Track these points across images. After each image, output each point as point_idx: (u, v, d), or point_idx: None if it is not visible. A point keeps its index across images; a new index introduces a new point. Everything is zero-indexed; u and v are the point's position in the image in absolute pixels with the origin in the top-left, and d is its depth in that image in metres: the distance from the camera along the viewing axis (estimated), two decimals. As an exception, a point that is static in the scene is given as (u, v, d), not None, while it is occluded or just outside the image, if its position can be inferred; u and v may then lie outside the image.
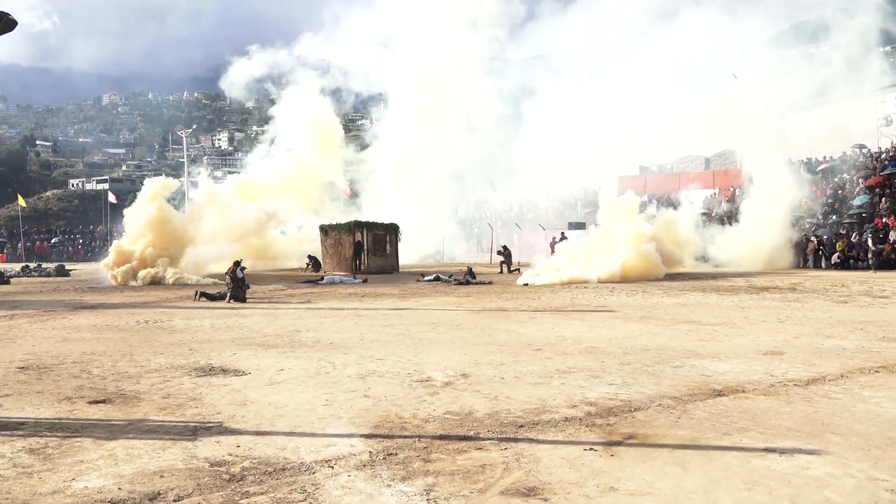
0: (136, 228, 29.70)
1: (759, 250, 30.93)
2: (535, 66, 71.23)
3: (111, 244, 31.49)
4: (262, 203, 38.39)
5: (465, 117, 50.83)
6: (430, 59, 50.75)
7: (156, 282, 26.26)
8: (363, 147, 56.78)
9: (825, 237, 31.75)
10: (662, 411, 6.55)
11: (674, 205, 38.05)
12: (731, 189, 42.03)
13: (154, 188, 30.93)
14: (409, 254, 40.61)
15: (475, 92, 51.21)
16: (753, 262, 30.84)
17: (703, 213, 37.08)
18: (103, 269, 28.72)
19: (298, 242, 39.25)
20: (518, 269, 29.85)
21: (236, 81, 58.14)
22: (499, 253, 32.80)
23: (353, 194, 53.02)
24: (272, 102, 55.27)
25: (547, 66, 67.26)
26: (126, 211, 31.50)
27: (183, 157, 72.31)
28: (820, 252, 31.27)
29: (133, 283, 26.55)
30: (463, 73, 51.11)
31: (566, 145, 51.37)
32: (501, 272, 30.25)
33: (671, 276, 25.59)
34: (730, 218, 35.35)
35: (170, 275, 26.73)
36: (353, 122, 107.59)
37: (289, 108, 48.97)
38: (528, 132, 54.95)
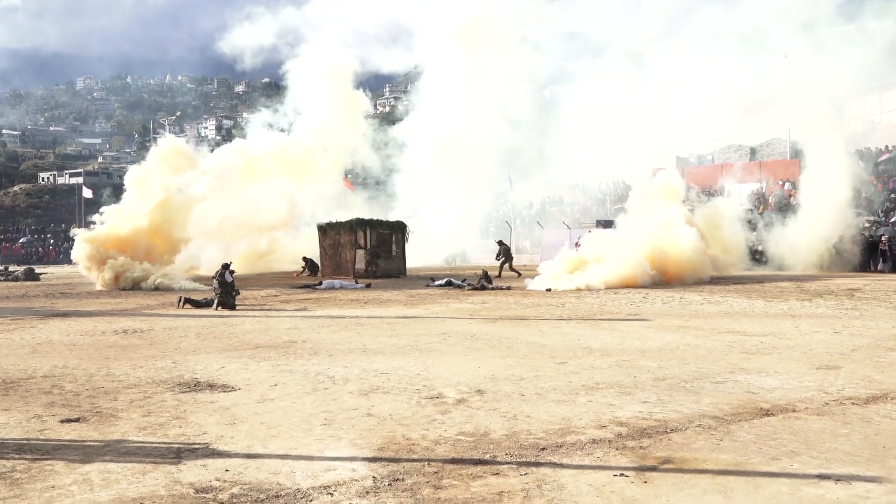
0: (138, 208, 27.28)
1: (812, 250, 30.70)
2: (565, 45, 71.04)
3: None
4: (281, 185, 35.77)
5: (500, 97, 49.46)
6: (468, 17, 49.03)
7: (137, 285, 25.85)
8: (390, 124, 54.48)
9: (886, 237, 31.52)
10: (702, 433, 6.53)
11: (717, 195, 37.89)
12: (781, 182, 41.85)
13: (175, 151, 28.66)
14: (433, 255, 40.24)
15: (510, 67, 49.90)
16: (807, 263, 30.65)
17: (750, 210, 36.94)
18: (78, 247, 26.83)
19: (312, 241, 35.78)
20: (519, 273, 29.16)
21: (237, 45, 56.52)
22: (498, 256, 31.08)
23: (384, 186, 51.66)
24: (279, 66, 52.80)
25: (577, 44, 67.17)
26: (129, 176, 29.46)
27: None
28: (885, 253, 30.96)
29: (109, 285, 25.78)
30: (500, 43, 49.63)
31: (595, 133, 51.27)
32: (500, 275, 29.12)
33: (712, 280, 25.45)
34: (780, 214, 35.20)
35: (169, 278, 25.69)
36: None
37: (304, 65, 45.29)
38: (552, 118, 54.86)
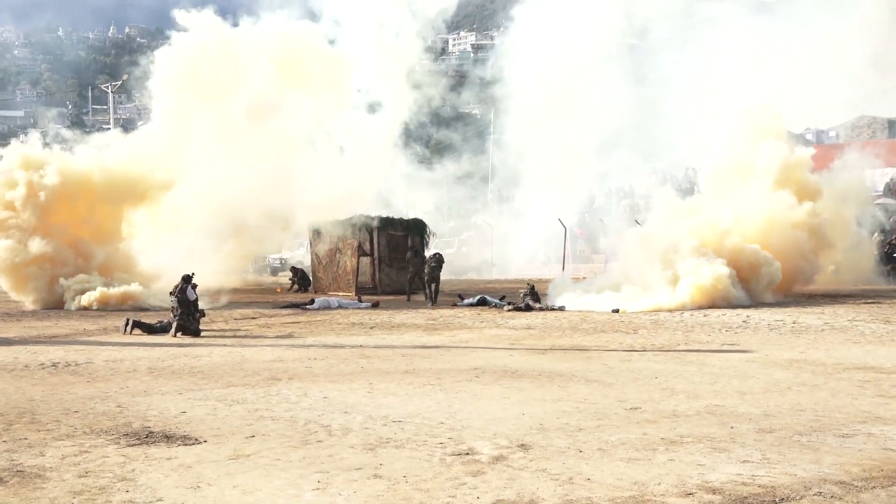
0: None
1: None
2: None
3: None
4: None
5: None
6: None
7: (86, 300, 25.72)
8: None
9: None
10: (824, 502, 6.48)
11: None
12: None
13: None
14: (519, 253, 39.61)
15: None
16: None
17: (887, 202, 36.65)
18: None
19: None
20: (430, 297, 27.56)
21: None
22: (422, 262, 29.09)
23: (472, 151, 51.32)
24: None
25: None
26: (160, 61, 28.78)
27: (109, 122, 73.14)
28: None
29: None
30: None
31: (683, 101, 51.00)
32: (408, 299, 28.63)
33: (833, 298, 25.24)
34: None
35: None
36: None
37: None
38: (623, 82, 54.61)
